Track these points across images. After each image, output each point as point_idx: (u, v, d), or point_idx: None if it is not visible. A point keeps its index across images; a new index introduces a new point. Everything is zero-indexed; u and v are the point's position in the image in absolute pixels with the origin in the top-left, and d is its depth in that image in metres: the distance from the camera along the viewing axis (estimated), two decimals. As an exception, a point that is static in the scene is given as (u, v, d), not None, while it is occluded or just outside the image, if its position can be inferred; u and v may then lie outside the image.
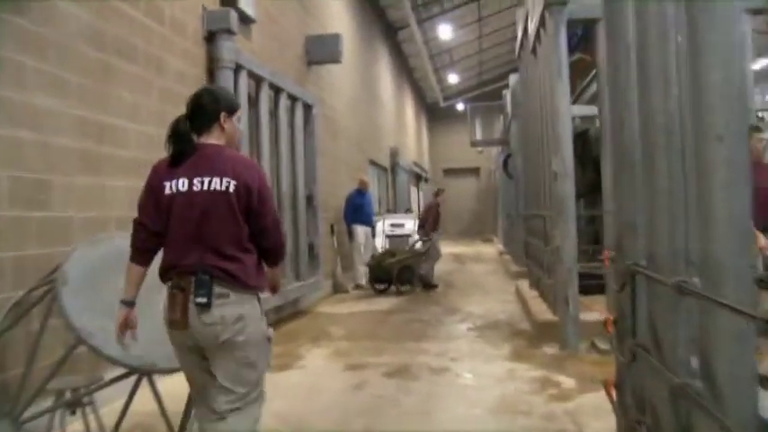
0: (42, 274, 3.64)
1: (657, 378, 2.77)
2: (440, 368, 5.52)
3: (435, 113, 30.24)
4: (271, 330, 2.72)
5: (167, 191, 2.59)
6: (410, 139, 24.09)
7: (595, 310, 6.55)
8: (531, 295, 8.24)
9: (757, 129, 4.82)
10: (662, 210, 2.75)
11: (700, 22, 2.13)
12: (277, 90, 8.22)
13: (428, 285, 10.98)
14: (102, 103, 4.80)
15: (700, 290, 2.09)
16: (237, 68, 6.88)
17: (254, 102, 7.52)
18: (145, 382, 3.43)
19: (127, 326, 2.74)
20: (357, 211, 11.24)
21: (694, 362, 2.75)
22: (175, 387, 3.69)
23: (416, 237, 11.93)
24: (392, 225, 12.58)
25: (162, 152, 5.20)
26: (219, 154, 2.61)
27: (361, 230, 11.18)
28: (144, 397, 3.56)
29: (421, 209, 23.23)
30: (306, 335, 7.07)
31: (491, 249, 21.38)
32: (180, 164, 2.60)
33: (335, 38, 10.37)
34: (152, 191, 2.67)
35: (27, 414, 3.32)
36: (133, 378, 3.41)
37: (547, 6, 5.99)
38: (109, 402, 3.91)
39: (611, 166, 3.46)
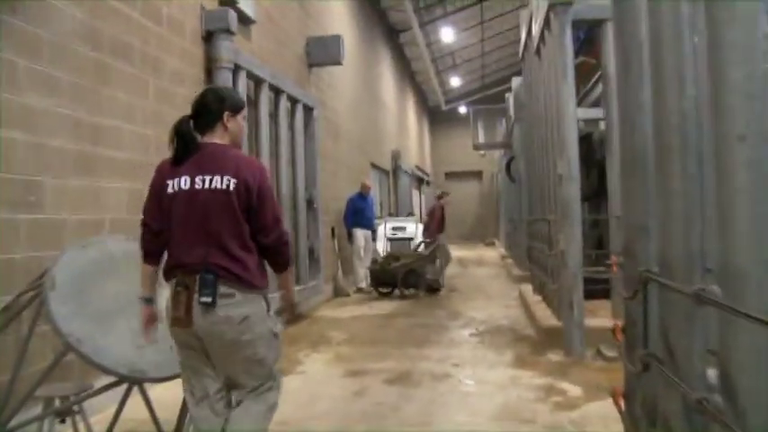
0: (33, 277, 3.52)
1: (671, 390, 2.65)
2: (442, 374, 5.39)
3: (437, 116, 30.15)
4: (279, 326, 2.75)
5: (170, 190, 2.60)
6: (412, 143, 23.99)
7: (600, 316, 6.43)
8: (535, 300, 8.11)
9: None
10: (676, 214, 2.63)
11: (720, 17, 2.01)
12: (277, 91, 8.12)
13: (433, 288, 10.87)
14: (97, 104, 4.69)
15: (721, 299, 1.97)
16: (236, 69, 6.77)
17: (253, 103, 7.40)
18: (136, 389, 3.31)
19: (151, 321, 2.79)
20: (358, 214, 11.13)
21: (709, 373, 2.64)
22: (168, 394, 3.59)
23: (419, 240, 11.84)
24: (393, 228, 12.46)
25: (158, 154, 5.10)
26: (222, 153, 2.63)
27: (360, 234, 11.07)
28: (136, 404, 3.44)
29: (423, 212, 23.16)
30: (306, 339, 6.95)
31: (493, 253, 21.26)
32: (182, 163, 2.61)
33: (336, 39, 10.27)
34: (155, 191, 2.69)
35: (14, 422, 3.20)
36: (124, 385, 3.29)
37: (552, 7, 5.87)
38: (100, 410, 3.80)
39: (620, 168, 3.32)
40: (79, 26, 4.50)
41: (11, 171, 3.83)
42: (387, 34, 18.45)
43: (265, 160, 7.43)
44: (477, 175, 30.45)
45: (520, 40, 9.78)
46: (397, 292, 10.50)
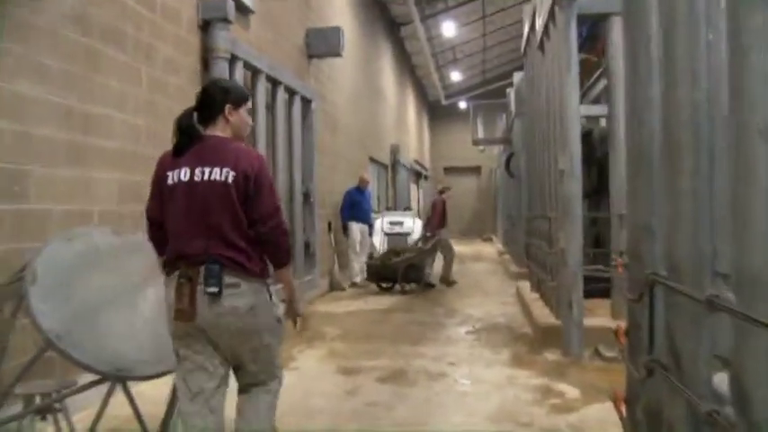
0: (14, 270, 3.40)
1: (676, 397, 2.54)
2: (437, 373, 5.28)
3: (437, 111, 30.00)
4: (281, 311, 2.77)
5: (170, 181, 2.60)
6: (411, 137, 23.85)
7: (599, 315, 6.33)
8: (532, 298, 8.00)
9: None
10: (685, 213, 2.51)
11: (741, 2, 1.89)
12: (275, 83, 7.99)
13: (429, 284, 10.81)
14: (88, 92, 4.55)
15: (736, 306, 1.85)
16: (233, 59, 6.64)
17: (250, 94, 7.26)
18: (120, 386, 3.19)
19: None
20: (354, 207, 11.02)
21: (715, 379, 2.53)
22: (154, 389, 3.48)
23: (417, 235, 11.75)
24: (391, 223, 12.33)
25: (150, 144, 4.98)
26: (223, 145, 2.64)
27: (356, 228, 10.96)
28: (121, 401, 3.32)
29: (421, 207, 23.05)
30: (299, 334, 6.83)
31: (491, 249, 21.16)
32: (183, 154, 2.63)
33: (336, 31, 10.13)
34: (157, 183, 2.70)
35: (-7, 420, 3.09)
36: (108, 383, 3.17)
37: (557, 0, 5.74)
38: (84, 407, 3.68)
39: (626, 166, 3.20)
40: (69, 11, 4.37)
41: (-5, 159, 3.71)
42: (388, 28, 18.28)
43: (261, 152, 7.30)
44: (476, 170, 30.33)
45: (522, 35, 9.65)
46: (397, 287, 10.42)
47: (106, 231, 3.50)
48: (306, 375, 5.24)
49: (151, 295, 3.26)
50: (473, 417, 4.24)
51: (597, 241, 8.71)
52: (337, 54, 10.22)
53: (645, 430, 2.94)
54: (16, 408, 3.21)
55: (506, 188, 16.82)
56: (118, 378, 2.90)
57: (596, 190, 8.33)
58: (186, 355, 2.60)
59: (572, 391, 4.67)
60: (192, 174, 2.57)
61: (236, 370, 2.70)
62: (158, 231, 2.71)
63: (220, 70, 6.36)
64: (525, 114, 10.06)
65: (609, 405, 4.07)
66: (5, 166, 3.78)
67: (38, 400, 3.14)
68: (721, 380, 2.59)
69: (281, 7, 8.86)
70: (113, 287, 3.13)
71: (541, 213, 7.43)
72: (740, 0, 1.86)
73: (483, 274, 13.54)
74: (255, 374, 2.69)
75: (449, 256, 11.38)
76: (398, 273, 10.32)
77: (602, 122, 9.18)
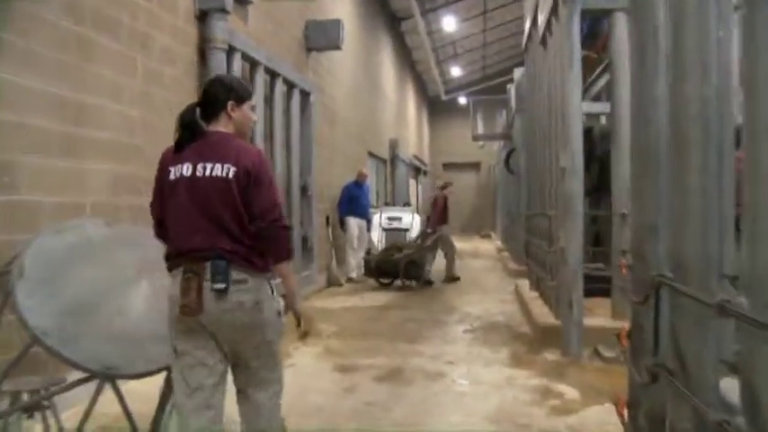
0: (2, 262, 3.31)
1: (682, 403, 2.46)
2: (435, 373, 5.21)
3: (437, 107, 29.87)
4: (282, 305, 2.74)
5: (171, 176, 2.60)
6: (410, 132, 23.74)
7: (598, 315, 6.25)
8: (532, 296, 7.93)
9: None
10: (693, 213, 2.43)
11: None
12: (273, 75, 7.90)
13: (428, 281, 10.80)
14: (81, 81, 4.46)
15: (748, 312, 1.77)
16: (231, 50, 6.55)
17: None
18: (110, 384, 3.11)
19: None
20: (352, 202, 10.93)
21: (722, 384, 2.45)
22: (145, 386, 3.39)
23: (417, 231, 11.68)
24: (389, 218, 12.22)
25: (144, 135, 4.88)
26: (225, 141, 2.64)
27: (354, 223, 10.87)
28: (111, 398, 3.23)
29: (419, 202, 22.95)
30: (296, 330, 6.74)
31: (489, 246, 21.08)
32: (184, 150, 2.63)
33: (336, 24, 10.02)
34: (159, 178, 2.69)
35: (-22, 418, 3.00)
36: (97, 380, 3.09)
37: (560, -6, 5.66)
38: (74, 405, 3.59)
39: (631, 163, 3.12)
40: (63, -2, 4.27)
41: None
42: (388, 22, 18.16)
43: (259, 145, 7.20)
44: (475, 166, 30.21)
45: (522, 31, 9.55)
46: (397, 282, 10.37)
47: (98, 223, 3.41)
48: (302, 373, 5.16)
49: (145, 290, 3.18)
50: (471, 417, 4.18)
51: (597, 240, 8.64)
52: (337, 47, 10.12)
53: (647, 435, 2.87)
54: (3, 405, 3.13)
55: (506, 185, 16.73)
56: (107, 376, 2.82)
57: (596, 188, 8.25)
58: (186, 350, 2.57)
59: (571, 392, 4.60)
60: (195, 169, 2.56)
61: (235, 368, 2.67)
62: (164, 229, 2.69)
63: (218, 61, 6.27)
64: (526, 111, 9.96)
65: (609, 407, 4.00)
66: (-5, 157, 3.70)
67: (25, 397, 3.06)
68: (728, 385, 2.52)
69: (281, -1, 8.76)
70: (105, 281, 3.04)
71: (541, 211, 7.35)
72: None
73: (481, 271, 13.47)
74: (256, 371, 2.67)
75: (450, 253, 11.31)
76: (399, 268, 10.26)
77: (602, 120, 9.11)
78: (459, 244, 19.78)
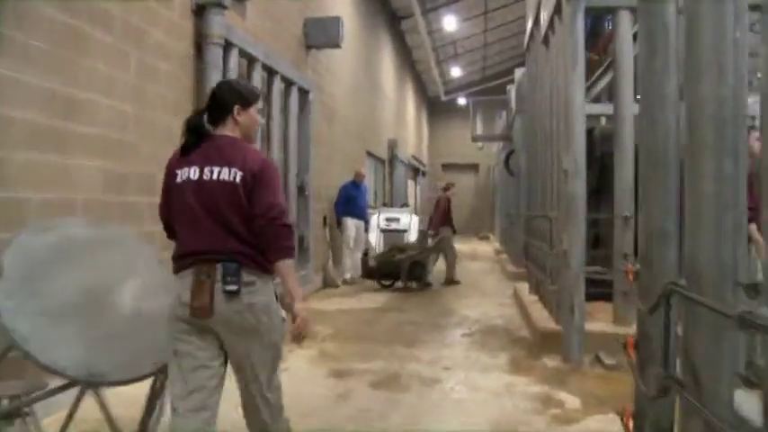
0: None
1: (694, 419, 2.35)
2: (432, 379, 5.08)
3: (436, 107, 29.76)
4: (283, 311, 2.74)
5: (178, 179, 2.63)
6: (410, 132, 23.61)
7: (599, 320, 6.13)
8: (531, 300, 7.80)
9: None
10: (707, 218, 2.31)
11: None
12: (271, 72, 7.77)
13: (452, 282, 10.92)
14: (72, 75, 4.33)
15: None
16: (228, 46, 6.42)
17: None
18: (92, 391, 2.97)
19: None
20: (350, 202, 10.80)
21: (737, 398, 2.34)
22: (131, 389, 3.26)
23: (416, 233, 11.59)
24: (387, 219, 12.10)
25: (137, 131, 4.74)
26: (231, 145, 2.66)
27: (351, 223, 10.74)
28: (95, 402, 3.11)
29: (418, 203, 22.83)
30: (290, 333, 6.62)
31: (487, 247, 20.96)
32: (190, 153, 2.65)
33: (336, 21, 9.89)
34: (167, 181, 2.71)
35: (-45, 424, 2.87)
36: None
37: (564, -8, 5.53)
38: (56, 411, 3.45)
39: (639, 166, 3.00)
40: (54, -11, 4.14)
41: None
42: (388, 21, 18.03)
43: (256, 144, 7.07)
44: (474, 167, 30.10)
45: (523, 32, 9.41)
46: (398, 284, 10.28)
47: (84, 223, 3.28)
48: (295, 377, 5.02)
49: (131, 292, 3.05)
50: (470, 426, 4.05)
51: (596, 242, 8.51)
52: (336, 45, 10.00)
53: (654, 449, 2.75)
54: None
55: (505, 186, 16.62)
56: (90, 383, 2.69)
57: (596, 190, 8.12)
58: (188, 352, 2.56)
59: (573, 401, 4.47)
60: (202, 173, 2.59)
61: (239, 369, 2.66)
62: (172, 230, 2.73)
63: (214, 57, 6.14)
64: (527, 111, 9.84)
65: (611, 417, 3.89)
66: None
67: (5, 403, 2.93)
68: (741, 399, 2.40)
69: (280, -5, 8.63)
70: (89, 283, 2.92)
71: (542, 213, 7.23)
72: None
73: (480, 273, 13.34)
74: (261, 372, 2.65)
75: (450, 256, 11.20)
76: (403, 269, 10.17)
77: (602, 121, 8.99)
78: (458, 245, 19.69)
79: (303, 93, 8.94)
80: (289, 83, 8.39)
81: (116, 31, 4.81)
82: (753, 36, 3.29)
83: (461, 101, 26.88)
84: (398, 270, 10.24)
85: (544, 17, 6.72)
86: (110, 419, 2.91)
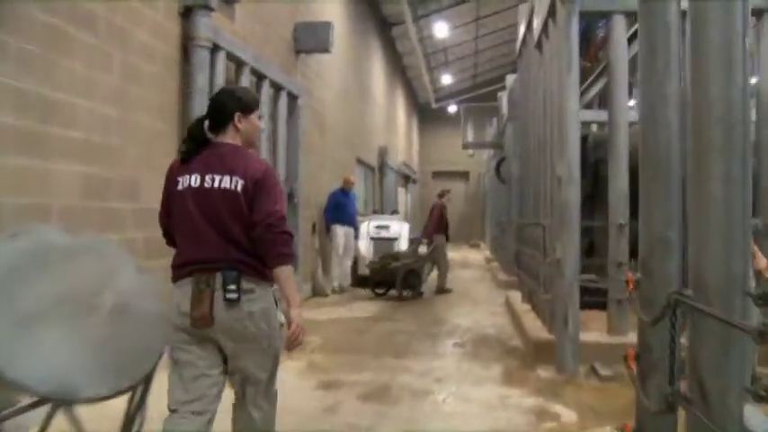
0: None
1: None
2: (423, 391, 4.93)
3: (426, 114, 29.72)
4: (282, 317, 2.73)
5: (179, 187, 2.63)
6: (400, 139, 23.51)
7: (592, 329, 6.01)
8: (524, 309, 7.68)
9: None
10: (715, 223, 2.19)
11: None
12: (259, 76, 7.63)
13: (443, 290, 10.86)
14: (50, 75, 4.17)
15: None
16: (215, 49, 6.28)
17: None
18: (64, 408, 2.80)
19: None
20: (339, 209, 10.65)
21: (746, 412, 2.21)
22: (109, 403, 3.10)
23: (406, 240, 11.48)
24: (377, 227, 11.96)
25: (121, 135, 4.57)
26: (233, 153, 2.66)
27: (340, 231, 10.59)
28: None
29: (408, 211, 22.70)
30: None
31: (478, 255, 20.86)
32: (190, 160, 2.66)
33: (326, 26, 9.77)
34: (167, 188, 2.72)
35: None
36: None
37: (558, -5, 5.43)
38: (30, 427, 3.29)
39: (640, 171, 2.88)
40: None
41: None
42: (379, 27, 17.94)
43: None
44: (464, 175, 30.06)
45: (514, 39, 9.33)
46: (392, 292, 10.17)
47: (58, 230, 3.11)
48: (282, 389, 4.76)
49: (108, 303, 2.88)
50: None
51: (590, 251, 8.41)
52: (326, 50, 9.87)
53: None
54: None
55: (495, 194, 16.53)
56: (61, 401, 2.52)
57: (590, 197, 8.03)
58: (190, 361, 2.59)
59: (568, 414, 4.34)
60: (203, 180, 2.59)
61: (236, 375, 2.67)
62: (172, 237, 2.74)
63: (201, 60, 6.00)
64: (518, 118, 9.75)
65: (608, 430, 3.77)
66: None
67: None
68: (749, 413, 2.28)
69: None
70: (63, 293, 2.74)
71: (535, 220, 7.11)
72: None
73: (471, 281, 13.22)
74: (259, 380, 2.68)
75: (443, 265, 11.08)
76: (398, 277, 10.04)
77: (593, 128, 8.91)
78: (449, 253, 19.58)
79: (292, 98, 8.80)
80: (278, 88, 8.25)
81: (99, 31, 4.66)
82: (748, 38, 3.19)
83: (452, 108, 26.85)
84: (393, 278, 10.11)
85: (537, 21, 6.62)
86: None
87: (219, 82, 6.27)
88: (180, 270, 2.60)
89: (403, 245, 11.57)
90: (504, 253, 13.25)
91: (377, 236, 11.73)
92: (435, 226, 11.09)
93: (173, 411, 2.58)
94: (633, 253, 5.73)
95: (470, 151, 24.15)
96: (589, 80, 10.04)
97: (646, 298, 2.78)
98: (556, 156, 5.66)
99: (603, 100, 10.63)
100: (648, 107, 2.81)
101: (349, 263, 10.97)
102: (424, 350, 6.47)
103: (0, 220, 3.68)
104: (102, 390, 2.59)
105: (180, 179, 2.63)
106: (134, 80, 5.14)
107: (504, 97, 13.09)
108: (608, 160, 5.83)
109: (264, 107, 7.76)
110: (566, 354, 5.28)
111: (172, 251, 2.78)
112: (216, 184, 2.58)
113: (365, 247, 11.52)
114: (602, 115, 8.77)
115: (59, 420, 2.69)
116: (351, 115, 14.10)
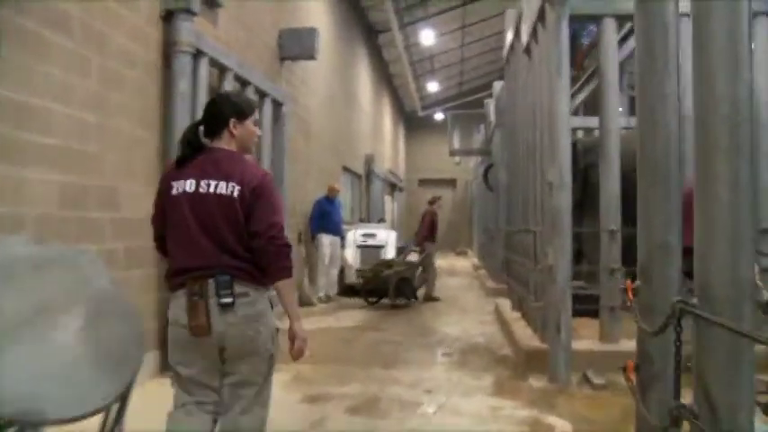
0: None
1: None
2: (412, 403, 4.79)
3: (413, 122, 29.70)
4: (278, 323, 2.77)
5: (174, 192, 2.62)
6: (386, 147, 23.42)
7: (584, 337, 5.91)
8: (513, 317, 7.57)
9: None
10: (721, 229, 2.09)
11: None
12: (243, 83, 7.48)
13: (431, 299, 10.81)
14: (24, 80, 4.00)
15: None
16: (198, 54, 6.13)
17: (216, 93, 6.75)
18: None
19: None
20: (324, 218, 10.51)
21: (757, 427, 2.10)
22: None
23: (393, 248, 11.36)
24: (364, 235, 11.82)
25: (100, 142, 4.42)
26: (229, 159, 2.65)
27: (326, 240, 10.45)
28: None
29: (395, 219, 22.59)
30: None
31: (466, 263, 20.77)
32: (185, 165, 2.65)
33: (312, 33, 9.64)
34: (161, 193, 2.71)
35: None
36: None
37: (547, -1, 5.35)
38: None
39: (638, 174, 2.78)
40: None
41: None
42: (365, 34, 17.87)
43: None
44: (451, 182, 30.04)
45: (500, 47, 9.26)
46: (384, 301, 10.06)
47: (27, 240, 2.96)
48: (267, 402, 4.71)
49: (79, 318, 2.72)
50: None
51: (578, 257, 8.33)
52: (311, 57, 9.74)
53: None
54: None
55: (483, 201, 16.45)
56: (28, 423, 2.36)
57: (578, 203, 7.96)
58: (190, 376, 2.62)
59: (563, 426, 4.21)
60: (198, 185, 2.58)
61: (237, 384, 2.66)
62: (165, 243, 2.72)
63: (183, 65, 5.84)
64: (506, 124, 9.67)
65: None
66: None
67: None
68: (760, 429, 2.17)
69: (254, 5, 8.37)
70: (29, 307, 2.59)
71: (524, 227, 7.01)
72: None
73: (459, 289, 13.11)
74: (250, 385, 2.66)
75: (431, 273, 10.97)
76: (390, 285, 9.90)
77: (579, 135, 8.86)
78: (436, 261, 19.47)
79: (277, 105, 8.66)
80: (262, 94, 8.11)
81: (75, 34, 4.51)
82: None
83: (438, 116, 26.86)
84: (386, 286, 9.98)
85: (526, 26, 6.54)
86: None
87: (202, 89, 6.13)
88: (174, 280, 2.61)
89: (390, 253, 11.45)
90: (493, 260, 13.15)
91: (364, 244, 11.59)
92: (426, 233, 11.00)
93: (182, 405, 2.64)
94: (624, 259, 5.66)
95: (457, 159, 24.11)
96: (575, 87, 10.01)
97: (646, 306, 2.67)
98: (546, 161, 5.56)
99: (590, 107, 10.63)
100: (647, 108, 2.71)
101: (335, 272, 10.83)
102: (412, 360, 6.34)
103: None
104: (72, 410, 2.44)
105: (174, 184, 2.62)
106: (113, 85, 4.98)
107: (491, 104, 13.04)
108: (599, 165, 5.75)
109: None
110: (558, 362, 5.17)
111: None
112: (211, 190, 2.56)
113: (352, 256, 11.38)
114: (589, 121, 8.74)
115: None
116: (337, 123, 13.98)
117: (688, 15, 4.04)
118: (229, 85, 6.97)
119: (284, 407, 4.64)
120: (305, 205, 10.49)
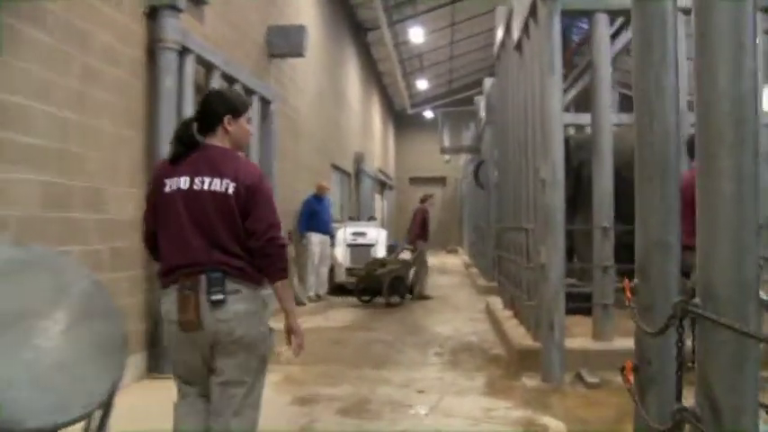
0: None
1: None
2: (404, 404, 4.72)
3: (402, 120, 29.65)
4: (271, 323, 2.76)
5: (167, 189, 2.61)
6: (376, 145, 23.34)
7: (576, 335, 5.85)
8: (505, 315, 7.51)
9: None
10: (725, 225, 2.02)
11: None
12: (231, 81, 7.36)
13: (423, 297, 10.77)
14: (1, 77, 3.88)
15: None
16: (184, 52, 6.01)
17: (203, 91, 6.63)
18: None
19: None
20: (313, 217, 10.43)
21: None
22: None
23: (384, 246, 11.31)
24: (354, 234, 11.74)
25: (82, 142, 4.30)
26: (223, 156, 2.65)
27: (315, 239, 10.37)
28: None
29: (384, 217, 22.52)
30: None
31: (456, 261, 20.75)
32: (179, 163, 2.64)
33: (300, 30, 9.56)
34: (153, 190, 2.70)
35: None
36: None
37: (539, -7, 5.28)
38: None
39: (636, 169, 2.71)
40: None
41: None
42: (354, 32, 17.77)
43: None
44: (441, 180, 30.03)
45: (490, 44, 9.23)
46: (378, 299, 10.02)
47: (4, 242, 2.85)
48: (257, 405, 4.62)
49: (60, 323, 2.62)
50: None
51: (570, 255, 8.28)
52: (300, 54, 9.65)
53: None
54: None
55: (473, 199, 16.41)
56: None
57: (571, 201, 7.90)
58: (187, 369, 2.66)
59: (557, 426, 4.15)
60: (192, 182, 2.57)
61: (224, 383, 2.62)
62: (155, 240, 2.71)
63: (168, 63, 5.73)
64: (497, 122, 9.61)
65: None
66: None
67: None
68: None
69: (241, 2, 8.26)
70: (8, 312, 2.49)
71: (516, 225, 6.95)
72: None
73: (449, 287, 13.05)
74: (240, 383, 2.63)
75: (422, 271, 10.92)
76: (384, 284, 9.85)
77: (570, 131, 8.81)
78: (428, 259, 19.37)
79: (265, 103, 8.55)
80: (250, 92, 8.00)
81: (54, 30, 4.38)
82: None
83: (428, 114, 26.82)
84: (379, 285, 9.93)
85: (517, 23, 6.48)
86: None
87: (188, 87, 6.02)
88: (166, 278, 2.60)
89: (380, 251, 11.38)
90: (483, 258, 13.12)
91: (353, 242, 11.52)
92: (418, 232, 10.95)
93: (181, 400, 2.69)
94: (617, 257, 5.61)
95: (447, 157, 24.09)
96: (565, 85, 9.98)
97: (644, 306, 2.60)
98: (539, 158, 5.50)
99: (580, 104, 10.60)
100: (645, 101, 2.64)
101: (325, 270, 10.75)
102: (403, 360, 6.27)
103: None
104: (51, 419, 2.34)
105: (168, 181, 2.60)
106: (95, 82, 4.87)
107: (481, 101, 12.98)
108: (592, 162, 5.69)
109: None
110: (552, 361, 5.11)
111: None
112: (206, 187, 2.56)
113: (342, 255, 11.31)
114: (581, 118, 8.68)
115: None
116: (326, 121, 13.89)
117: (681, 11, 4.00)
118: (216, 83, 6.86)
119: (274, 409, 4.54)
120: (294, 204, 10.39)
